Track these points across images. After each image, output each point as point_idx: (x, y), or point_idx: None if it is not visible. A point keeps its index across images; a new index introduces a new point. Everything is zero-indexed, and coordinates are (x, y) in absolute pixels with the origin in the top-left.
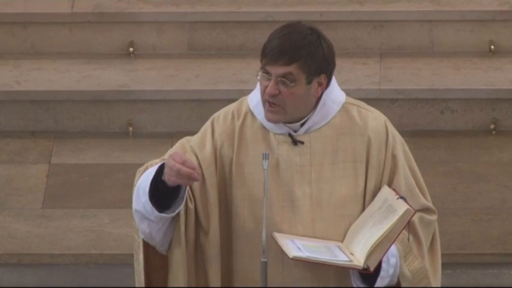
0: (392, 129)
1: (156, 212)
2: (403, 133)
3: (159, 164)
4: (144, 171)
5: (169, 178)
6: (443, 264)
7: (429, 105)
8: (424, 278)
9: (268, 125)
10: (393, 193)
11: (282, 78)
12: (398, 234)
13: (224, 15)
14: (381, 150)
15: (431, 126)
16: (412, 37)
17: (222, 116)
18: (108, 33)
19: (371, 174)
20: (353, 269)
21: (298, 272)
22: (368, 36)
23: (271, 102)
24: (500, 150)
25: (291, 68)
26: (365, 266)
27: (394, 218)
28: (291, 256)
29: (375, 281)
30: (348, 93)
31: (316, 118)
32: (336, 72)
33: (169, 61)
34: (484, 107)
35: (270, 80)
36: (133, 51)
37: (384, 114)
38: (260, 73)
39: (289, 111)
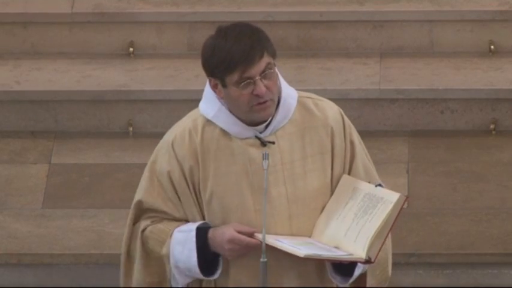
0: (345, 116)
1: (214, 276)
2: (403, 133)
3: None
4: (154, 236)
5: (231, 255)
6: (443, 264)
7: (429, 105)
8: (384, 262)
9: (233, 131)
10: (364, 182)
11: (264, 73)
12: (395, 221)
13: (224, 15)
14: (341, 138)
15: (431, 126)
16: (412, 37)
17: (178, 137)
18: (108, 33)
19: (336, 164)
20: (356, 261)
21: (279, 270)
22: (368, 36)
23: (261, 102)
24: (500, 150)
25: (266, 58)
26: (367, 258)
27: (387, 207)
28: (302, 255)
29: (349, 271)
30: (348, 93)
31: (279, 117)
32: (335, 72)
33: (169, 61)
34: (484, 107)
35: (251, 84)
36: (133, 51)
37: (384, 114)
38: (240, 85)
39: (275, 100)
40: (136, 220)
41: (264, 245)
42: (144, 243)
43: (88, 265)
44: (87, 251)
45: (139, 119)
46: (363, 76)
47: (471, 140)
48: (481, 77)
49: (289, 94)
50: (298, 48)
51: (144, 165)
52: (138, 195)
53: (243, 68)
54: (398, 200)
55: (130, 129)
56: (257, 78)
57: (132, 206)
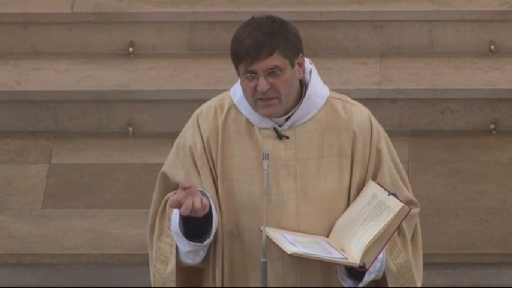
0: (376, 123)
1: (202, 244)
2: (403, 133)
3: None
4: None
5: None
6: (443, 264)
7: (429, 105)
8: (408, 271)
9: (253, 119)
10: (382, 189)
11: (270, 71)
12: (394, 232)
13: (224, 15)
14: (366, 145)
15: (431, 126)
16: (412, 37)
17: (204, 112)
18: (108, 33)
19: (356, 169)
20: (349, 266)
21: (282, 265)
22: (368, 36)
23: (264, 98)
24: (500, 150)
25: (274, 58)
26: (361, 264)
27: (389, 216)
28: (290, 253)
29: (361, 276)
30: (348, 93)
31: (301, 112)
32: (335, 72)
33: (169, 61)
34: (484, 107)
35: (255, 78)
36: (133, 51)
37: (384, 114)
38: (244, 77)
39: (284, 99)
40: (162, 191)
41: (264, 244)
42: (164, 210)
43: (88, 265)
44: (87, 251)
45: (139, 119)
46: (363, 76)
47: (471, 140)
48: (481, 77)
49: (316, 92)
50: None
51: (144, 165)
52: (163, 167)
53: (248, 62)
54: (400, 211)
55: (130, 129)
56: (261, 74)
57: (158, 179)
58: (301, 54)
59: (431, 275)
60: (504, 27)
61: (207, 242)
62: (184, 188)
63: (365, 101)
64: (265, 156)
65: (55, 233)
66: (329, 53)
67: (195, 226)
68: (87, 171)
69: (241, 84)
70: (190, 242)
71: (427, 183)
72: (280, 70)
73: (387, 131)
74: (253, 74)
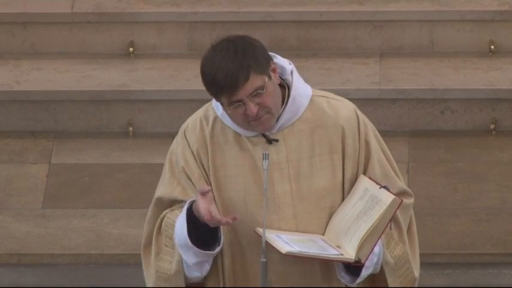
0: (362, 116)
1: (212, 252)
2: (403, 133)
3: (183, 217)
4: (169, 220)
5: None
6: (443, 264)
7: (429, 105)
8: (406, 262)
9: (240, 129)
10: (373, 183)
11: (254, 93)
12: (387, 225)
13: (224, 15)
14: (355, 139)
15: (431, 126)
16: (412, 37)
17: (190, 125)
18: (108, 33)
19: (348, 164)
20: (345, 262)
21: (284, 268)
22: (368, 36)
23: (256, 119)
24: (500, 150)
25: (252, 80)
26: (357, 259)
27: (381, 209)
28: (284, 252)
29: (358, 271)
30: (348, 93)
31: (287, 115)
32: (335, 72)
33: (169, 61)
34: (484, 107)
35: (242, 105)
36: (133, 51)
37: (384, 114)
38: (231, 108)
39: (274, 110)
40: (157, 214)
41: (264, 244)
42: (159, 228)
43: (88, 265)
44: (87, 251)
45: (139, 119)
46: (363, 76)
47: (471, 140)
48: (481, 77)
49: (300, 93)
50: (298, 48)
51: (144, 165)
52: (159, 191)
53: (229, 94)
54: (391, 203)
55: (130, 129)
56: (246, 99)
57: (152, 203)
58: (271, 62)
59: (431, 275)
60: (504, 27)
61: (218, 249)
62: (203, 193)
63: (365, 101)
64: (265, 156)
65: (55, 233)
66: (329, 53)
67: (202, 235)
68: (87, 171)
69: (228, 114)
70: (201, 250)
71: (427, 183)
72: (262, 88)
73: (387, 131)
74: (239, 102)
